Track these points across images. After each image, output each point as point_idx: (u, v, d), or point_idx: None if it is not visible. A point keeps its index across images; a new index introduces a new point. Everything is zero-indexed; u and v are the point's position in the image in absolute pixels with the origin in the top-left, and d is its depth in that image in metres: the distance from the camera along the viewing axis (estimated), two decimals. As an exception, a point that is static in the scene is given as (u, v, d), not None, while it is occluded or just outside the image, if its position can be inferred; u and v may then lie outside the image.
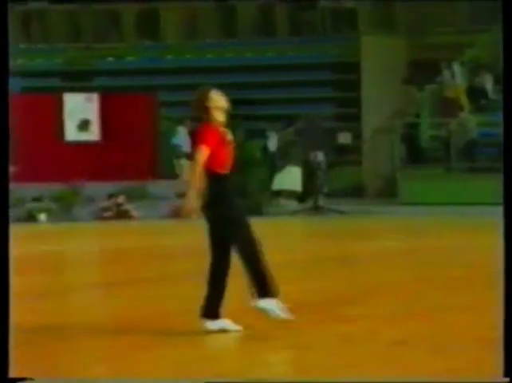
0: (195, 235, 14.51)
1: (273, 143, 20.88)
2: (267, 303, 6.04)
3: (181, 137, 19.85)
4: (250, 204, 18.20)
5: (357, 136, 21.93)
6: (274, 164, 19.77)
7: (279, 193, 19.75)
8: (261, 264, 6.15)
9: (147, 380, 5.08)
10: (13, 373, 4.80)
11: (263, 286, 6.09)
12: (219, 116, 6.18)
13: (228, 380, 4.96)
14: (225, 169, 6.15)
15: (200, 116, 6.18)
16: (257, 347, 5.86)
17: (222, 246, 6.15)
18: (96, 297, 8.73)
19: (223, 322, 6.09)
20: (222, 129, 6.20)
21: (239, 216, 6.20)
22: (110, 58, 25.26)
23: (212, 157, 6.06)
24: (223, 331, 6.04)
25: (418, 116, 21.11)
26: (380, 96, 21.97)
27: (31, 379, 4.87)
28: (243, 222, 6.20)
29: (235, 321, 6.19)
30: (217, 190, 6.13)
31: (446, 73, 21.04)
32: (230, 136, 6.25)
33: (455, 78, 20.87)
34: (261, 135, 21.06)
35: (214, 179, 6.11)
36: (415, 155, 20.34)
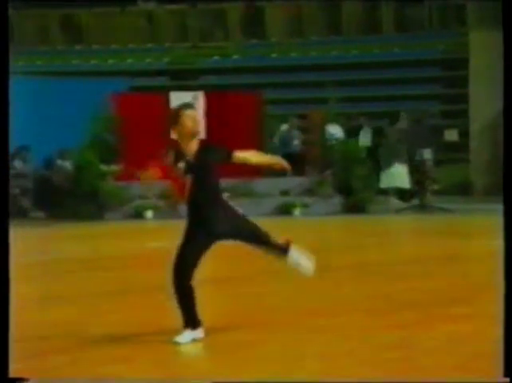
0: (298, 232, 14.50)
1: (366, 138, 20.70)
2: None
3: (284, 135, 19.90)
4: (354, 202, 18.10)
5: (465, 133, 21.54)
6: (378, 162, 19.59)
7: (386, 191, 19.56)
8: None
9: (148, 380, 5.09)
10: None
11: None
12: (185, 144, 6.11)
13: (228, 380, 4.93)
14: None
15: None
16: (362, 346, 5.81)
17: None
18: (201, 293, 8.80)
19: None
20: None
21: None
22: (216, 57, 25.49)
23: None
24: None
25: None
26: (489, 93, 21.52)
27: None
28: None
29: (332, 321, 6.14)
30: None
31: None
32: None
33: None
34: (378, 133, 20.91)
35: None
36: (525, 152, 19.83)
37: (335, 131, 19.54)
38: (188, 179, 6.05)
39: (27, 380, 4.74)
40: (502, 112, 4.64)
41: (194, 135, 6.05)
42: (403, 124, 20.01)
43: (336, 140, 19.26)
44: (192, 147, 6.06)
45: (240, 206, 19.89)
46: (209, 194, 6.08)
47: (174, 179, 6.04)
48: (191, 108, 6.13)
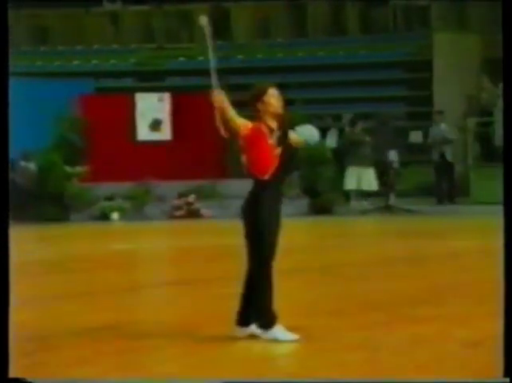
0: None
1: (332, 140, 20.76)
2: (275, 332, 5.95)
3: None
4: (321, 203, 18.16)
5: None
6: (342, 163, 19.68)
7: (350, 193, 19.63)
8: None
9: (147, 380, 5.09)
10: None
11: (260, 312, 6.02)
12: (270, 121, 6.09)
13: (228, 380, 4.94)
14: (265, 175, 6.07)
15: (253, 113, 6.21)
16: (327, 347, 5.82)
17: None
18: (167, 295, 8.80)
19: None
20: (269, 132, 6.06)
21: (268, 226, 6.15)
22: (182, 58, 25.43)
23: (252, 162, 6.03)
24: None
25: (491, 114, 20.79)
26: (453, 95, 21.68)
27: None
28: (271, 232, 6.14)
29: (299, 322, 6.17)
30: (254, 195, 6.07)
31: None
32: (277, 140, 6.08)
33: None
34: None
35: (254, 183, 6.11)
36: (489, 154, 20.04)
37: (309, 132, 19.51)
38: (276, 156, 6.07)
39: (26, 380, 4.72)
40: (503, 111, 4.64)
41: (277, 114, 6.11)
42: (345, 124, 20.11)
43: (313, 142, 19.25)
44: (273, 126, 6.11)
45: (206, 207, 19.89)
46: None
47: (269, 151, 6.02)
48: (274, 87, 6.21)
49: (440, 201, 19.52)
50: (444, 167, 19.76)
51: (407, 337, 6.04)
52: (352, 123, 20.29)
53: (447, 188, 19.83)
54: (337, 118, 21.79)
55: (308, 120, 20.15)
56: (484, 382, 4.77)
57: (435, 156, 19.86)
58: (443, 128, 19.90)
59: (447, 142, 19.77)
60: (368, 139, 19.79)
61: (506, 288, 4.44)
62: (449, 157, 19.81)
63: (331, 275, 9.66)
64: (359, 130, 20.06)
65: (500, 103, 20.69)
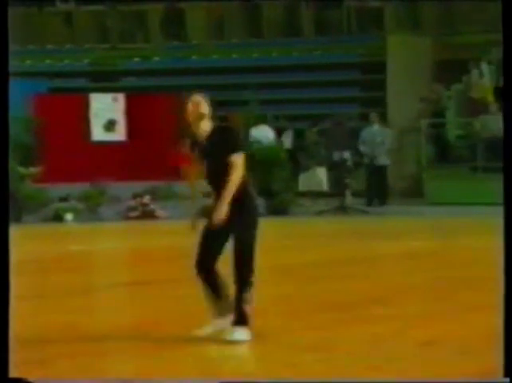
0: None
1: (288, 141, 20.82)
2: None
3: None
4: (276, 204, 18.19)
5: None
6: (298, 164, 19.73)
7: (304, 193, 19.71)
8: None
9: (147, 380, 5.07)
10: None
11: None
12: (200, 128, 6.04)
13: (227, 380, 4.94)
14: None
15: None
16: (282, 347, 5.84)
17: None
18: (122, 297, 8.75)
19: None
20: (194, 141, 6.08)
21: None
22: (136, 59, 25.33)
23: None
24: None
25: (443, 115, 21.01)
26: (406, 96, 21.85)
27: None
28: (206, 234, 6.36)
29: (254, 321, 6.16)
30: None
31: (474, 73, 20.90)
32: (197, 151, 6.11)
33: (483, 78, 20.74)
34: (299, 135, 21.03)
35: None
36: (442, 154, 20.22)
37: (264, 133, 19.53)
38: (204, 162, 6.16)
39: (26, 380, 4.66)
40: (503, 112, 4.67)
41: (199, 117, 6.00)
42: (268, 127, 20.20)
43: (261, 142, 19.23)
44: (204, 130, 6.05)
45: (161, 208, 19.80)
46: (222, 176, 6.19)
47: (190, 163, 6.08)
48: (196, 94, 6.06)
49: (369, 203, 19.30)
50: (375, 171, 19.62)
51: (364, 336, 6.07)
52: (313, 124, 20.38)
53: (378, 191, 19.67)
54: (293, 119, 21.86)
55: (263, 120, 20.28)
56: (484, 382, 4.80)
57: (366, 160, 19.72)
58: (375, 130, 19.90)
59: (382, 149, 19.68)
60: (321, 139, 19.91)
61: (506, 288, 4.46)
62: (381, 161, 19.67)
63: (286, 276, 9.68)
64: (315, 131, 20.18)
65: (450, 104, 20.94)
